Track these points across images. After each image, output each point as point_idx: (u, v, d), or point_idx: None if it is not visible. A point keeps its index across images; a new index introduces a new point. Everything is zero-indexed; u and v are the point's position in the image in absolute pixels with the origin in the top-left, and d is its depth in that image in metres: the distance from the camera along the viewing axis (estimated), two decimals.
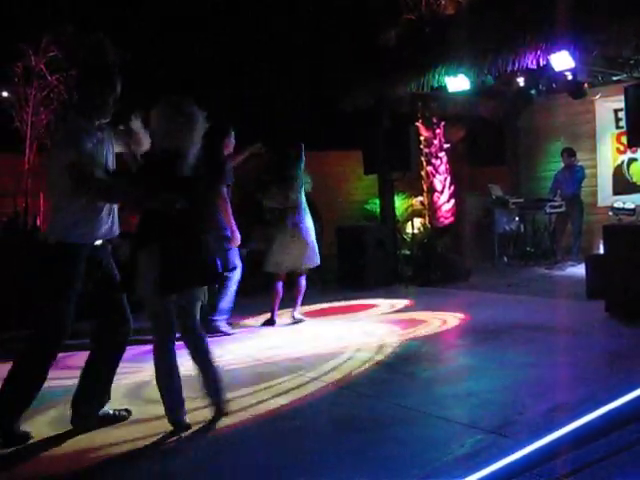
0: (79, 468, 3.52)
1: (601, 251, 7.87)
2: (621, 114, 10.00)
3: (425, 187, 10.38)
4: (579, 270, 8.88)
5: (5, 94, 9.13)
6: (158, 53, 10.76)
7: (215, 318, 6.52)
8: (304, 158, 6.99)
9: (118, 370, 4.14)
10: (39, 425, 4.06)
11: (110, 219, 4.00)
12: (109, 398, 4.10)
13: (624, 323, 6.14)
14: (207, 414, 4.05)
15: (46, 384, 3.91)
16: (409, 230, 11.21)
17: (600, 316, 6.48)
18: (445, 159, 10.25)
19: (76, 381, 4.03)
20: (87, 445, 3.76)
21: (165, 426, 3.91)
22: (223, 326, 6.59)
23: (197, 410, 4.09)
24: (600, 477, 3.04)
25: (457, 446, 3.48)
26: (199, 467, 3.46)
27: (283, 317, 7.17)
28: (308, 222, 6.97)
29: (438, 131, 10.23)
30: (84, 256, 3.89)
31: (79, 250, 3.87)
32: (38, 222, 9.14)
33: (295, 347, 6.04)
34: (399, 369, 5.15)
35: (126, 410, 4.16)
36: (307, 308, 7.50)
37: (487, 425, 3.75)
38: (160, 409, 3.97)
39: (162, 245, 3.81)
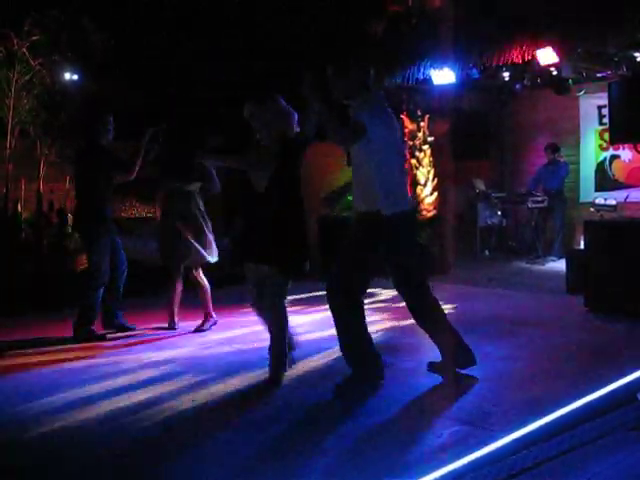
0: None
1: (582, 246, 7.93)
2: (604, 111, 10.04)
3: (408, 180, 10.37)
4: (559, 265, 8.95)
5: None
6: (143, 39, 10.68)
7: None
8: None
9: None
10: None
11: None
12: None
13: (602, 318, 6.21)
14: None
15: None
16: None
17: (579, 311, 6.55)
18: (429, 152, 10.24)
19: None
20: None
21: None
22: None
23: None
24: (573, 466, 3.08)
25: (434, 437, 3.51)
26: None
27: None
28: None
29: (422, 124, 10.21)
30: None
31: None
32: (19, 208, 9.08)
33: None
34: None
35: None
36: (288, 298, 7.47)
37: (464, 416, 3.78)
38: None
39: None
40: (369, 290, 7.96)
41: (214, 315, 6.45)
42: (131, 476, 3.27)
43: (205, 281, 6.40)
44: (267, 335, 5.96)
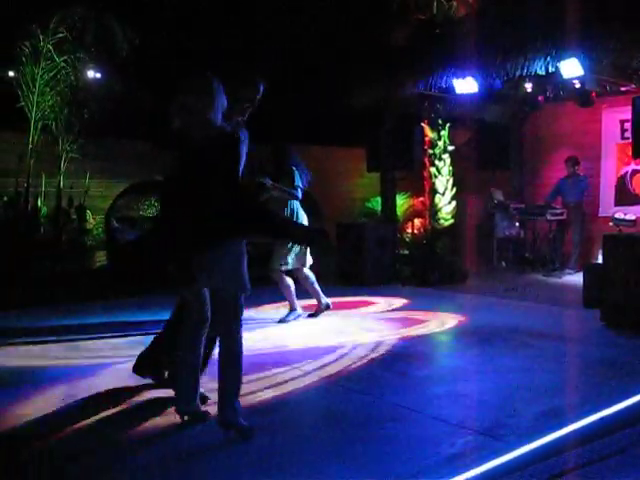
0: None
1: (600, 260, 7.86)
2: (627, 125, 9.97)
3: (427, 188, 10.35)
4: (576, 278, 8.88)
5: (12, 73, 9.13)
6: (168, 37, 10.74)
7: None
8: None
9: None
10: None
11: None
12: None
13: (619, 333, 6.15)
14: None
15: None
16: (409, 230, 11.23)
17: (595, 325, 6.49)
18: (449, 161, 10.23)
19: None
20: None
21: None
22: None
23: None
24: None
25: (447, 446, 3.49)
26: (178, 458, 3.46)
27: (281, 309, 7.16)
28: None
29: (443, 133, 10.21)
30: None
31: None
32: (39, 203, 9.14)
33: (290, 340, 6.04)
34: (393, 367, 5.14)
35: None
36: (304, 302, 7.50)
37: (478, 426, 3.75)
38: None
39: None
40: (380, 296, 8.03)
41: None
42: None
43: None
44: (284, 338, 5.99)
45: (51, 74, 9.09)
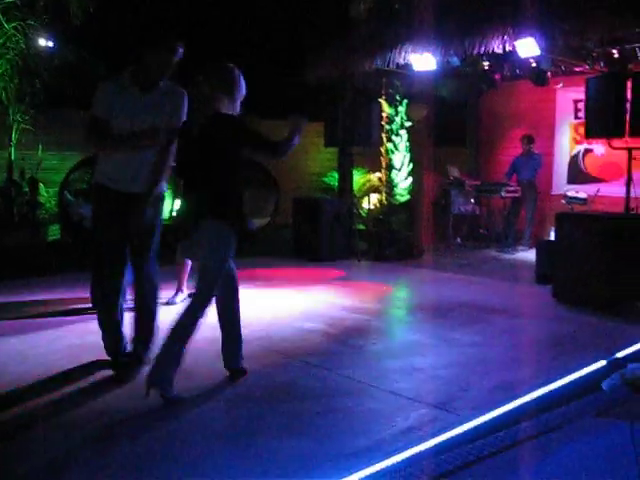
0: None
1: (552, 238, 8.02)
2: (580, 105, 10.16)
3: (384, 164, 10.41)
4: (529, 255, 9.07)
5: None
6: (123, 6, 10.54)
7: None
8: None
9: None
10: None
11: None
12: None
13: (569, 308, 6.31)
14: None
15: None
16: (365, 205, 11.28)
17: (547, 300, 6.64)
18: (406, 137, 10.29)
19: None
20: None
21: None
22: None
23: None
24: (540, 451, 3.14)
25: (402, 419, 3.55)
26: (134, 434, 3.45)
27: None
28: None
29: (400, 109, 10.26)
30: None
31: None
32: None
33: (244, 315, 6.01)
34: (348, 342, 5.18)
35: None
36: (261, 277, 7.50)
37: (432, 400, 3.82)
38: None
39: None
40: (336, 271, 8.05)
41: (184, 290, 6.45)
42: (98, 444, 3.27)
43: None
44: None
45: (0, 41, 8.83)
